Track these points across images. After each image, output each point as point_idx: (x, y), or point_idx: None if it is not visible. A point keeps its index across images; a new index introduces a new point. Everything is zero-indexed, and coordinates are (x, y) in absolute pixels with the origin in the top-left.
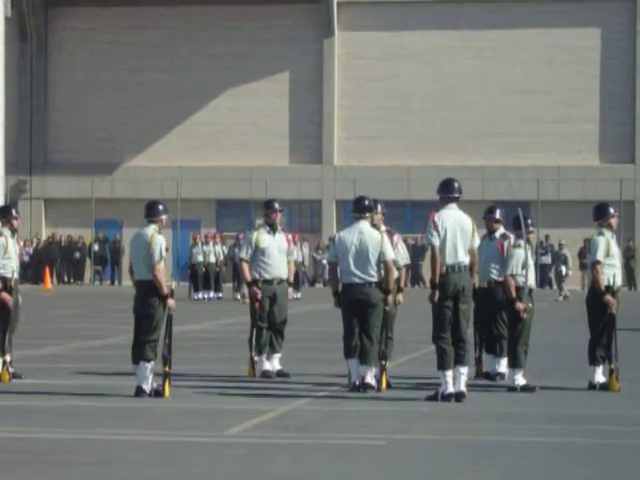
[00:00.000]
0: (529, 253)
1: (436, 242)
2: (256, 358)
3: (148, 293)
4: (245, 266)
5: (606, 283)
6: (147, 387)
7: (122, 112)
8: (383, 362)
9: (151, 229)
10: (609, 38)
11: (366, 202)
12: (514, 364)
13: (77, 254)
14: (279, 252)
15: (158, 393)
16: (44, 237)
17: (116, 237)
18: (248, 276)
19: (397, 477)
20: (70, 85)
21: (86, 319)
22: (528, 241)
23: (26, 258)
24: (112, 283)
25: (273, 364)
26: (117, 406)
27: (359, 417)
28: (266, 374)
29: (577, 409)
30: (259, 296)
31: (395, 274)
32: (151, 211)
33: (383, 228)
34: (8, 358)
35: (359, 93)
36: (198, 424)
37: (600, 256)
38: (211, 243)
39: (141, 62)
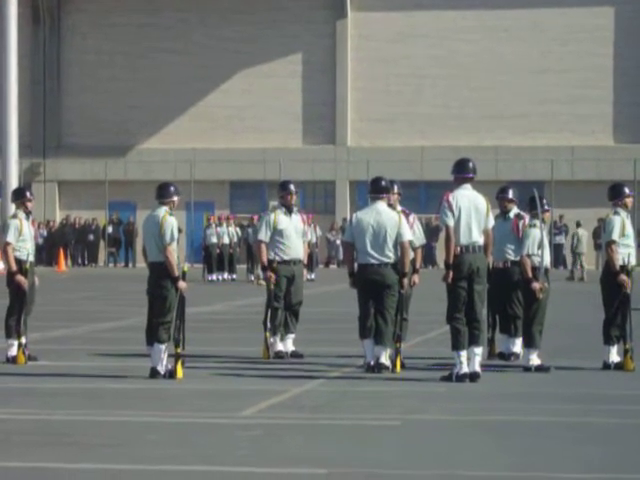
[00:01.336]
0: (545, 233)
1: (450, 222)
2: (270, 339)
3: (161, 275)
4: (263, 247)
5: (621, 263)
6: (161, 368)
7: (135, 94)
8: (397, 344)
9: (162, 211)
10: (623, 17)
11: (383, 183)
12: (529, 344)
13: (91, 236)
14: (296, 233)
15: (172, 374)
16: (58, 220)
17: (130, 219)
18: (265, 258)
19: (412, 457)
20: (83, 67)
21: (100, 301)
22: (543, 221)
23: (40, 241)
24: (126, 265)
25: (287, 345)
26: (132, 388)
27: (374, 398)
28: (279, 355)
29: (592, 389)
30: (273, 279)
31: (411, 255)
32: (162, 192)
33: (399, 208)
34: (24, 340)
35: (372, 74)
36: (213, 405)
37: (615, 236)
38: (225, 224)
39: (154, 44)
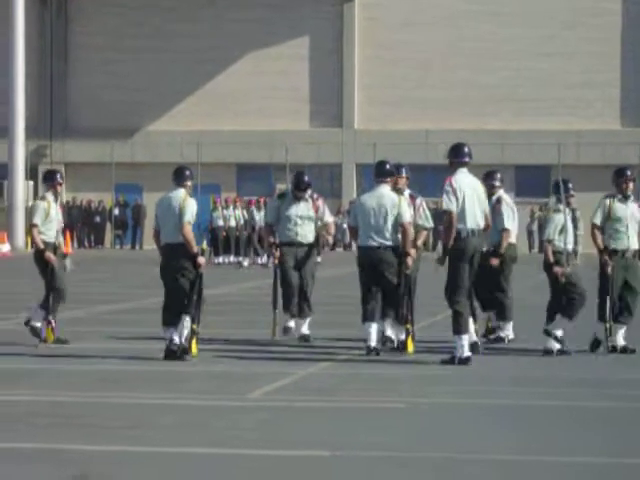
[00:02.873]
0: (569, 217)
1: (454, 208)
2: (284, 320)
3: (179, 255)
4: (268, 230)
5: (613, 246)
6: (178, 341)
7: (142, 76)
8: (407, 326)
9: (182, 192)
10: (630, 1)
11: (387, 166)
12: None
13: (97, 218)
14: (302, 219)
15: (185, 351)
16: (64, 202)
17: (137, 201)
18: (269, 239)
19: (417, 440)
20: (90, 49)
21: (107, 283)
22: (568, 205)
23: None
24: (133, 247)
25: (300, 327)
26: (142, 369)
27: (379, 380)
28: (286, 330)
29: (597, 373)
30: (276, 260)
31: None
32: (181, 175)
33: (407, 192)
34: (53, 322)
35: (379, 57)
36: (221, 387)
37: (597, 219)
38: (231, 207)
39: (161, 26)
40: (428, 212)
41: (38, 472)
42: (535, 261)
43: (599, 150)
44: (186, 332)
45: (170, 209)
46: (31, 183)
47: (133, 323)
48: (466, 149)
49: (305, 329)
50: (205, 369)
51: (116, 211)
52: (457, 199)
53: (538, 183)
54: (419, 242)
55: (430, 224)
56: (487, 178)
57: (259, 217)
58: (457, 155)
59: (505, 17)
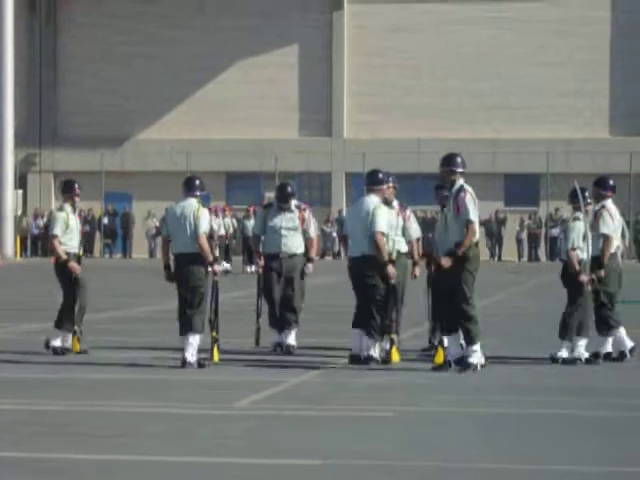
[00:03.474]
0: (588, 225)
1: (476, 220)
2: (272, 332)
3: (193, 265)
4: (255, 241)
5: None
6: (193, 358)
7: (131, 85)
8: (391, 335)
9: (194, 202)
10: (620, 10)
11: (378, 175)
12: (579, 333)
13: (87, 227)
14: (287, 229)
15: (202, 365)
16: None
17: (126, 210)
18: (256, 249)
19: (406, 449)
20: (79, 57)
21: (97, 292)
22: (586, 213)
23: (35, 231)
24: (124, 256)
25: (285, 337)
26: (130, 378)
27: (369, 389)
28: (276, 346)
29: (589, 382)
30: (259, 270)
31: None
32: (192, 185)
33: (395, 202)
34: (77, 329)
35: (368, 65)
36: (208, 396)
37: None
38: (221, 216)
39: (150, 34)
40: (416, 222)
41: None
42: (525, 269)
43: (589, 159)
44: (196, 348)
45: (182, 219)
46: (20, 192)
47: (123, 332)
48: (459, 159)
49: (291, 340)
50: (193, 378)
51: (105, 220)
52: (476, 211)
53: (527, 192)
54: (415, 256)
55: (418, 234)
56: (438, 189)
57: (250, 226)
58: (459, 165)
59: (496, 25)
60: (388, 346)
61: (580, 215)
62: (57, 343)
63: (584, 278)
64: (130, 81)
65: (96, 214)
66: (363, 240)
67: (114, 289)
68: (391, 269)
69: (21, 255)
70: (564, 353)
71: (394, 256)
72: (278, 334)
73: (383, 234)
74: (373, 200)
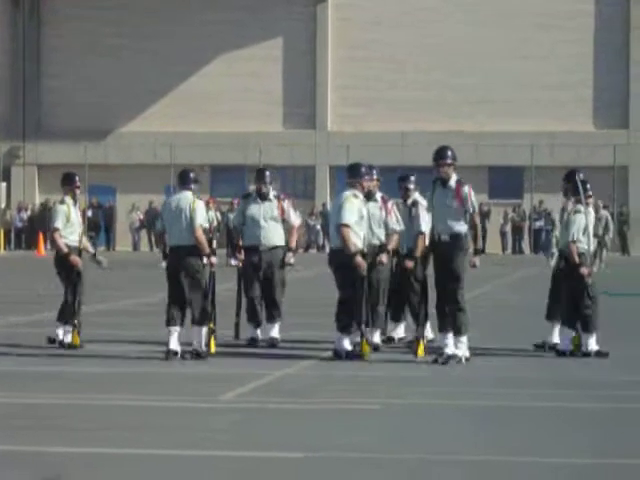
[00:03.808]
0: (589, 218)
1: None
2: (250, 326)
3: (190, 256)
4: (236, 234)
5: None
6: (201, 348)
7: (115, 78)
8: (364, 327)
9: (189, 194)
10: (603, 3)
11: (357, 168)
12: (586, 328)
13: None
14: (265, 220)
15: (198, 354)
16: (38, 203)
17: (109, 203)
18: (237, 242)
19: (391, 441)
20: (62, 51)
21: (89, 285)
22: (587, 206)
23: (19, 224)
24: (107, 249)
25: (268, 330)
26: (116, 371)
27: (354, 382)
28: (252, 341)
29: (577, 374)
30: (239, 264)
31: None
32: (185, 178)
33: (378, 195)
34: (76, 322)
35: (352, 58)
36: (193, 389)
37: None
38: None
39: (135, 27)
40: (399, 215)
41: (11, 474)
42: (510, 262)
43: (573, 152)
44: (203, 339)
45: (178, 211)
46: (4, 185)
47: (108, 325)
48: (449, 152)
49: (275, 333)
50: (178, 371)
51: (89, 213)
52: None
53: (511, 184)
54: (390, 246)
55: (401, 227)
56: (401, 181)
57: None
58: (444, 158)
59: (480, 18)
60: (359, 339)
61: (581, 208)
62: (60, 336)
63: (585, 270)
64: (113, 74)
65: (80, 207)
66: (334, 233)
67: (98, 282)
68: (359, 260)
69: (5, 248)
70: (594, 346)
71: (379, 249)
72: (254, 329)
73: (347, 226)
74: (346, 193)
